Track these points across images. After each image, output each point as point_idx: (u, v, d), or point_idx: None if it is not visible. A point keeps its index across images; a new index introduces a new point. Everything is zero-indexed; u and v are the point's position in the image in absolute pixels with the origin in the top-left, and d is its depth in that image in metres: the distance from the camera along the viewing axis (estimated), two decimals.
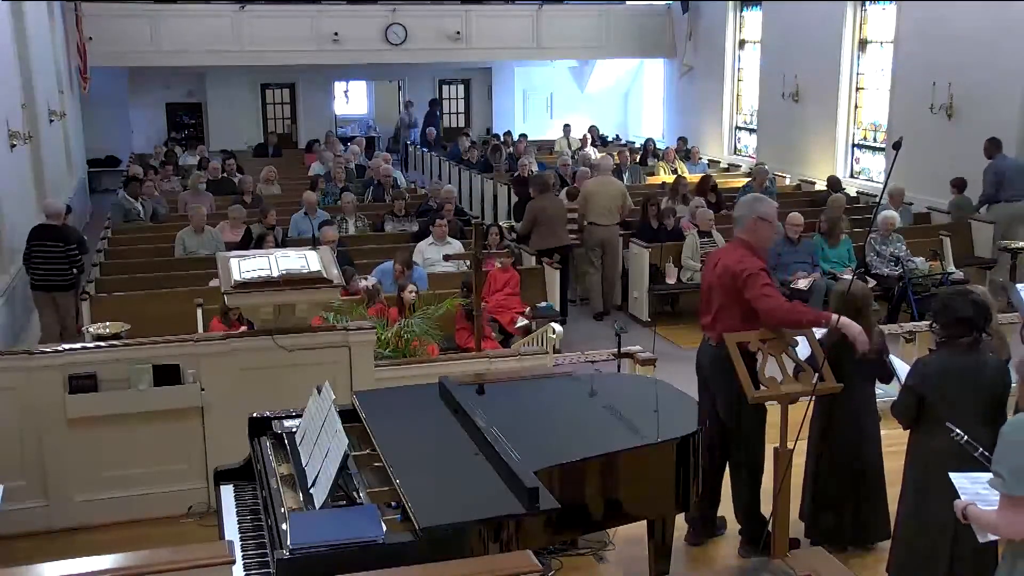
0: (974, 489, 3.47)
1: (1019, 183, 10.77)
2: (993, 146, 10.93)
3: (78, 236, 9.78)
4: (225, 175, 14.16)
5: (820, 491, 5.18)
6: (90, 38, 15.87)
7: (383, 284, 8.69)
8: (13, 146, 10.11)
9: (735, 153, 17.80)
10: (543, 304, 9.28)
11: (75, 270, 9.33)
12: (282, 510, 3.45)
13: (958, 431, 3.66)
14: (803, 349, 4.86)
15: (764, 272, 4.94)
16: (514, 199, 12.91)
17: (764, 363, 4.71)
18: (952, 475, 3.63)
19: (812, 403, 4.75)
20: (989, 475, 3.34)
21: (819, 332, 4.99)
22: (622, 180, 14.24)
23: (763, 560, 2.35)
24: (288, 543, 3.14)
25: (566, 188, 11.89)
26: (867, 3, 13.95)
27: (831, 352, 4.84)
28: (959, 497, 3.67)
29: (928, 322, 4.75)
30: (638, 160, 16.24)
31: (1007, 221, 10.89)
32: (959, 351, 4.24)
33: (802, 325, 4.87)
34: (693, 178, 14.01)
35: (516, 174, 13.96)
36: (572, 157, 15.58)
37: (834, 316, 4.79)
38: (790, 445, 4.63)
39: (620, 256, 10.89)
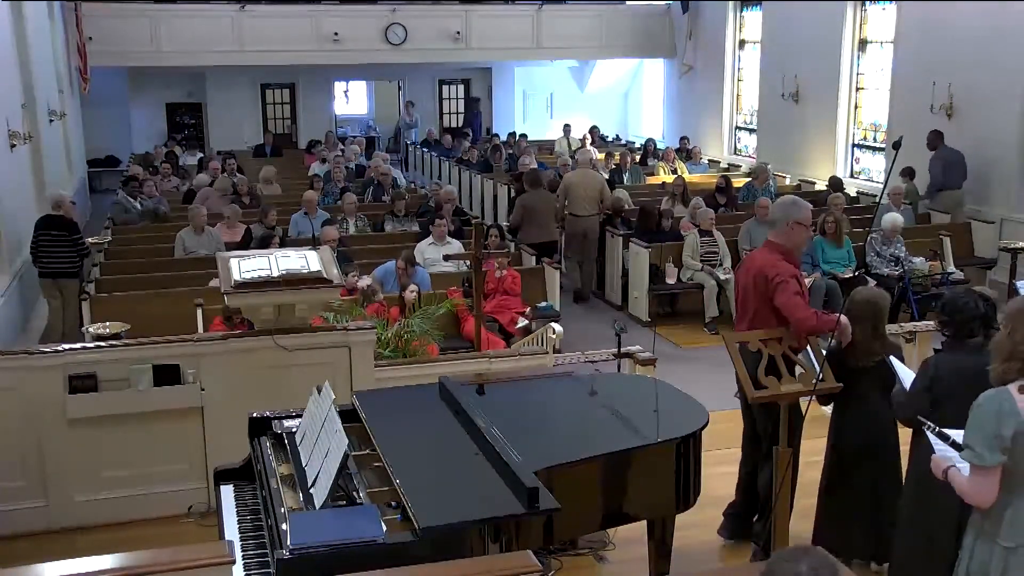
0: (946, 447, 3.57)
1: (957, 172, 11.54)
2: (937, 137, 11.65)
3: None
4: (225, 175, 14.15)
5: (832, 502, 5.08)
6: (90, 38, 15.87)
7: (386, 283, 8.70)
8: (13, 146, 10.11)
9: (735, 153, 17.79)
10: (543, 304, 9.28)
11: (79, 257, 9.60)
12: (282, 510, 3.45)
13: (929, 423, 3.68)
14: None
15: (795, 279, 4.98)
16: (512, 194, 13.10)
17: (764, 363, 4.71)
18: (928, 432, 3.69)
19: (811, 403, 4.75)
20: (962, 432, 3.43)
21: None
22: (622, 180, 14.28)
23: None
24: (288, 543, 3.14)
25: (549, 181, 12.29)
26: (867, 3, 13.94)
27: (844, 360, 4.85)
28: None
29: (931, 322, 4.74)
30: (638, 160, 16.24)
31: (953, 207, 11.49)
32: (968, 351, 4.23)
33: (825, 331, 4.91)
34: (693, 178, 14.02)
35: (515, 172, 14.08)
36: (572, 157, 15.57)
37: (841, 317, 4.79)
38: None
39: (597, 245, 11.30)
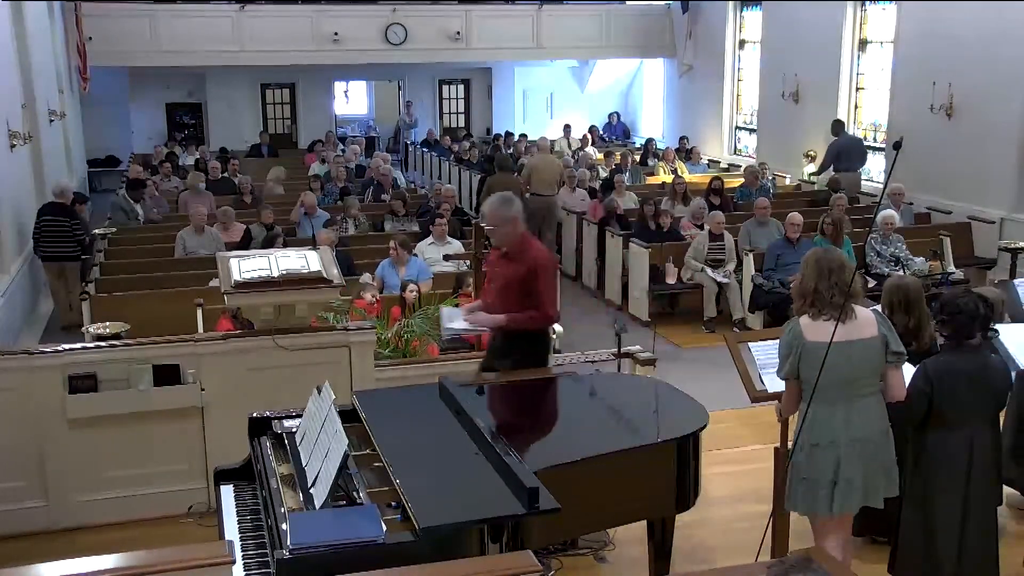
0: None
1: (854, 156, 13.28)
2: (837, 126, 13.56)
3: (81, 216, 10.51)
4: (225, 175, 14.16)
5: None
6: (90, 38, 15.86)
7: (388, 279, 8.73)
8: (13, 146, 10.11)
9: (735, 153, 17.78)
10: None
11: (77, 243, 10.03)
12: (282, 510, 3.45)
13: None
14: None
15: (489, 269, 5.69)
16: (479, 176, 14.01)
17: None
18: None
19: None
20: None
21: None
22: (623, 180, 14.31)
23: (773, 562, 2.36)
24: (288, 543, 3.14)
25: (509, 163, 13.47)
26: (867, 3, 13.94)
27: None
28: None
29: (934, 322, 4.71)
30: (638, 160, 16.23)
31: (849, 186, 12.62)
32: (967, 351, 4.22)
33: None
34: (693, 178, 14.01)
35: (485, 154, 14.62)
36: (572, 157, 15.57)
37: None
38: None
39: (558, 220, 12.64)
